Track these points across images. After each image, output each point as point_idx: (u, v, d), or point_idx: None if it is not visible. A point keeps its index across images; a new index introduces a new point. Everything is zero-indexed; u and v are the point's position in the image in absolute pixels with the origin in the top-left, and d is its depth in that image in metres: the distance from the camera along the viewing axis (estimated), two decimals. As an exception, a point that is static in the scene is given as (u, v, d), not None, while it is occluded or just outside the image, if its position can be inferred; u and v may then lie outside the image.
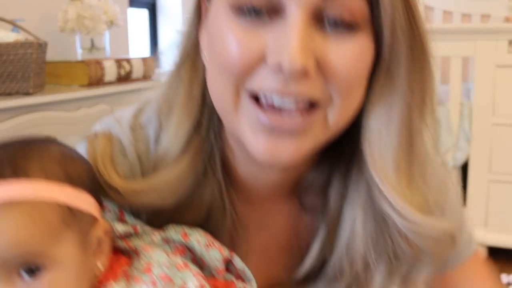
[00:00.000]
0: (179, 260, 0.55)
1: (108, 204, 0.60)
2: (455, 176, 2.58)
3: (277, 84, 0.50)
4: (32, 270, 0.48)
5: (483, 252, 2.53)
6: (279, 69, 0.49)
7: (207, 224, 0.63)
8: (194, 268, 0.55)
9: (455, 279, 0.72)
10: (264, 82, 0.50)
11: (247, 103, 0.52)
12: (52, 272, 0.49)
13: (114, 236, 0.58)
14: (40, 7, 2.05)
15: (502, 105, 2.41)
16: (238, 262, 0.60)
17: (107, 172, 0.58)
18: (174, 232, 0.59)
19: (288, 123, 0.51)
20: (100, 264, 0.54)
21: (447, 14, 3.58)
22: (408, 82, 0.55)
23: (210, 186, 0.62)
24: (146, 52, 2.99)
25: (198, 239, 0.59)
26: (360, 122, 0.57)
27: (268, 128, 0.51)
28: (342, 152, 0.62)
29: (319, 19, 0.50)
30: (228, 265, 0.60)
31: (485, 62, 2.40)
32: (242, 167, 0.63)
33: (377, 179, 0.56)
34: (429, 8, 3.61)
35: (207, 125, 0.62)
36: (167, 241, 0.59)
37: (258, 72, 0.51)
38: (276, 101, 0.51)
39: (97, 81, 1.88)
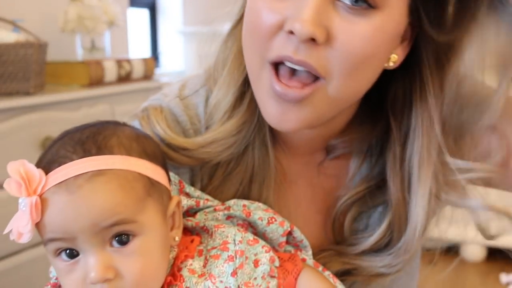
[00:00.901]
0: (250, 236, 0.60)
1: (170, 177, 0.63)
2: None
3: (288, 49, 0.56)
4: (122, 240, 0.52)
5: (483, 252, 2.53)
6: (292, 34, 0.55)
7: (254, 180, 0.68)
8: (263, 243, 0.60)
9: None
10: (279, 48, 0.57)
11: (267, 73, 0.59)
12: (140, 238, 0.53)
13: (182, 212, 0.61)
14: (40, 8, 2.05)
15: (502, 105, 2.41)
16: (297, 233, 0.64)
17: (170, 136, 0.64)
18: (237, 210, 0.63)
19: (292, 94, 0.57)
20: (177, 237, 0.58)
21: (447, 14, 3.58)
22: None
23: (258, 140, 0.68)
24: (146, 52, 2.99)
25: (261, 216, 0.62)
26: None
27: (279, 95, 0.58)
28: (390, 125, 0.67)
29: None
30: (287, 236, 0.64)
31: (485, 62, 2.40)
32: None
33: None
34: (429, 8, 3.61)
35: None
36: (230, 217, 0.63)
37: (277, 38, 0.57)
38: (288, 65, 0.57)
39: (98, 81, 1.89)
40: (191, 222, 0.61)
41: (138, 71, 2.08)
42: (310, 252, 0.65)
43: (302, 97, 0.57)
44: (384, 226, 0.68)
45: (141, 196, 0.53)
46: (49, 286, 0.60)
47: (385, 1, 0.54)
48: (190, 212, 0.64)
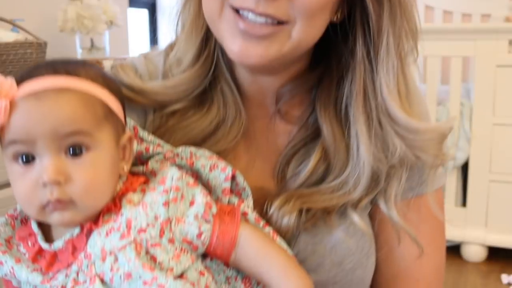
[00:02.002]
0: (190, 179, 0.63)
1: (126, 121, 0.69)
2: (455, 176, 2.58)
3: (251, 3, 0.62)
4: (76, 152, 0.57)
5: (483, 252, 2.53)
6: None
7: (217, 130, 0.74)
8: (202, 188, 0.63)
9: (416, 206, 0.77)
10: (241, 0, 0.62)
11: (229, 13, 0.64)
12: (92, 152, 0.58)
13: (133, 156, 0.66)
14: (40, 7, 2.05)
15: (502, 105, 2.41)
16: (240, 179, 0.67)
17: (132, 79, 0.72)
18: (184, 157, 0.67)
19: (258, 30, 0.63)
20: (125, 167, 0.63)
21: (447, 14, 3.58)
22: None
23: (219, 91, 0.75)
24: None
25: (203, 163, 0.66)
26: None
27: (243, 32, 0.63)
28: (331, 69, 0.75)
29: None
30: (232, 183, 0.67)
31: (485, 62, 2.40)
32: (241, 76, 0.75)
33: (386, 100, 0.69)
34: (429, 8, 3.61)
35: (215, 39, 0.72)
36: (177, 168, 0.66)
37: None
38: (250, 16, 0.63)
39: (97, 81, 1.88)
40: (143, 168, 0.66)
41: (137, 70, 2.08)
42: (251, 203, 0.67)
43: (266, 34, 0.63)
44: (313, 159, 0.74)
45: (99, 116, 0.59)
46: (6, 216, 0.65)
47: None
48: (142, 159, 0.68)
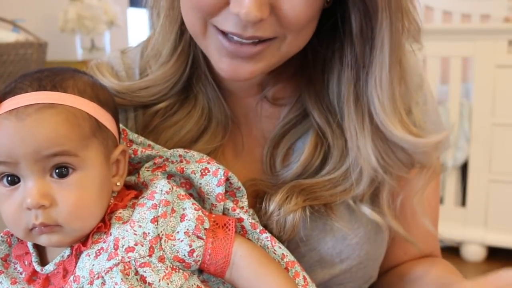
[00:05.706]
0: (181, 191, 0.61)
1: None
2: (455, 176, 2.59)
3: (236, 28, 0.59)
4: (62, 172, 0.55)
5: (483, 252, 2.53)
6: (238, 17, 0.57)
7: (205, 131, 0.72)
8: (194, 201, 0.60)
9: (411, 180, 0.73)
10: (226, 24, 0.60)
11: (214, 33, 0.62)
12: (79, 173, 0.56)
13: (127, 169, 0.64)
14: (40, 8, 2.05)
15: (502, 105, 2.41)
16: (234, 179, 0.64)
17: (108, 80, 0.70)
18: (175, 161, 0.64)
19: (246, 50, 0.60)
20: (119, 183, 0.61)
21: (447, 14, 3.59)
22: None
23: (201, 86, 0.72)
24: (146, 52, 2.98)
25: (193, 169, 0.63)
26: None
27: (230, 52, 0.61)
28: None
29: None
30: (226, 183, 0.64)
31: (485, 62, 2.40)
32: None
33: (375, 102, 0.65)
34: (429, 8, 3.62)
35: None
36: (171, 176, 0.64)
37: (222, 13, 0.60)
38: (237, 38, 0.60)
39: (97, 81, 1.89)
40: (135, 178, 0.64)
41: (138, 71, 2.08)
42: (246, 202, 0.64)
43: (254, 53, 0.61)
44: (308, 147, 0.70)
45: (86, 134, 0.56)
46: (2, 233, 0.63)
47: None
48: (133, 163, 0.66)
